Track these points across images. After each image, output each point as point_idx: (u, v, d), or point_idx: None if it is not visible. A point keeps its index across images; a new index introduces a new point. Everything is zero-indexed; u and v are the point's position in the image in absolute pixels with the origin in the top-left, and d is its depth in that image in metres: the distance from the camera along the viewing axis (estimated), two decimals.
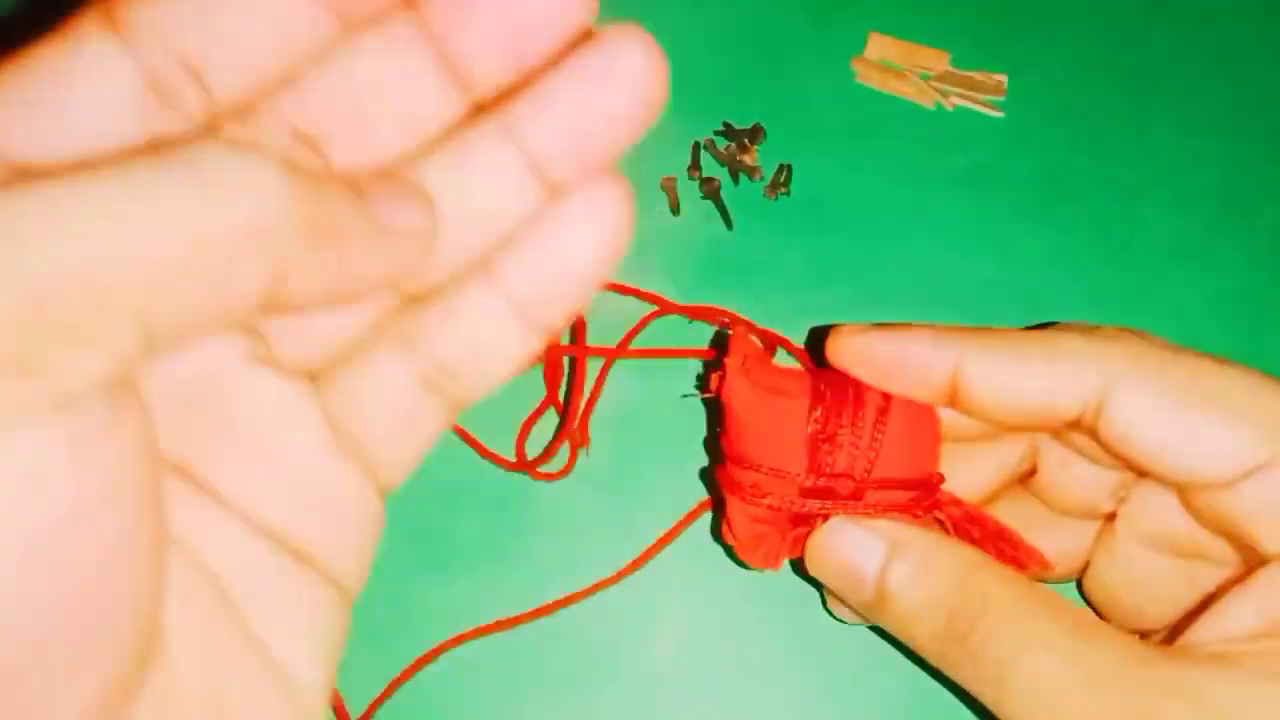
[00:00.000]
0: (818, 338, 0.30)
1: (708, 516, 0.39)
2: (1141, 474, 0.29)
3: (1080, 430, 0.28)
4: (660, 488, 0.40)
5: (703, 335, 0.42)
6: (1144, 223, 0.44)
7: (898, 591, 0.28)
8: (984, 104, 0.47)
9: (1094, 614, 0.27)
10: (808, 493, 0.29)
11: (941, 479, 0.30)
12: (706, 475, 0.40)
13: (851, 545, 0.29)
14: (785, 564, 0.32)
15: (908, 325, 0.29)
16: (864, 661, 0.37)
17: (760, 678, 0.37)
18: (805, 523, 0.30)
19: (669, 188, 0.45)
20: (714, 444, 0.38)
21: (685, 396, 0.40)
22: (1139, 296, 0.43)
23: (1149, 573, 0.30)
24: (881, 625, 0.30)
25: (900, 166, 0.46)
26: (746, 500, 0.30)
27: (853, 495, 0.29)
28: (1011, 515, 0.32)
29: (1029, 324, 0.42)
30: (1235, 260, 0.44)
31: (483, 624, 0.37)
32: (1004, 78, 0.47)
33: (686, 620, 0.38)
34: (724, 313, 0.42)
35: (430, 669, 0.37)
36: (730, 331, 0.31)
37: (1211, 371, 0.26)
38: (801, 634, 0.38)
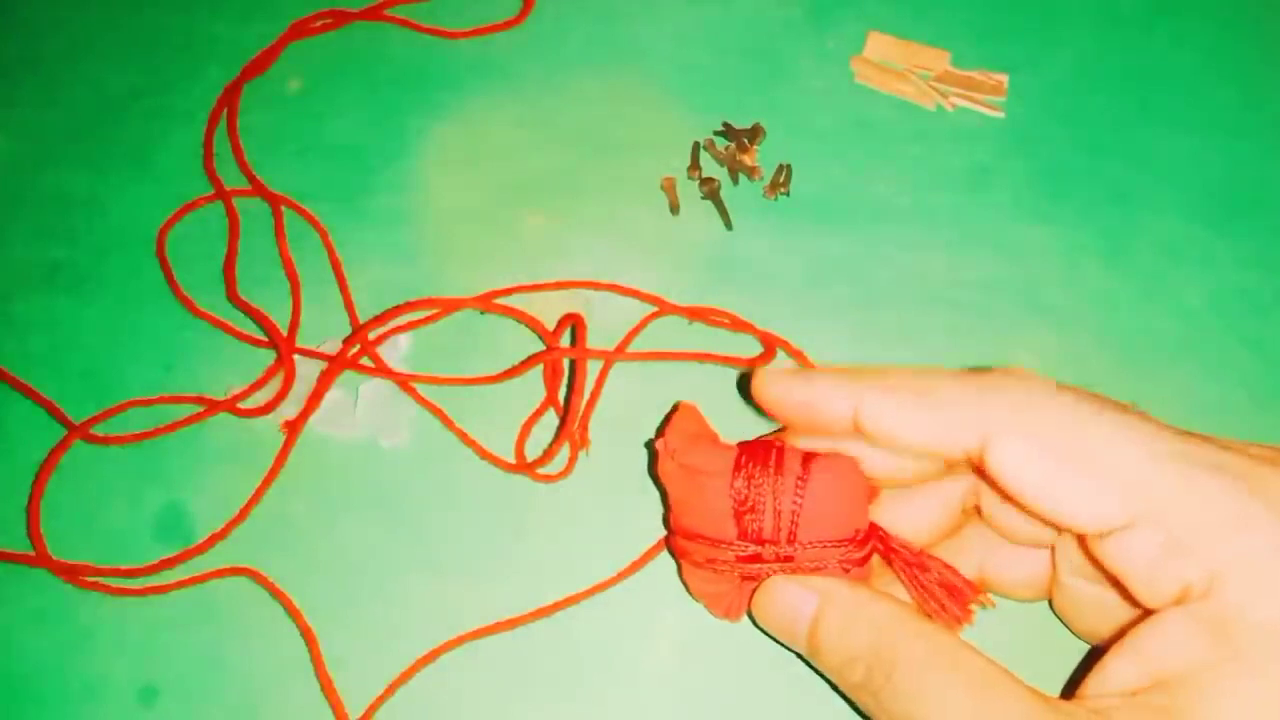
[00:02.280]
0: (743, 383, 0.33)
1: None
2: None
3: (975, 472, 0.30)
4: (660, 489, 0.40)
5: (703, 336, 0.42)
6: (1144, 223, 0.44)
7: (824, 645, 0.30)
8: (984, 104, 0.47)
9: (1001, 669, 0.27)
10: (742, 559, 0.31)
11: (873, 530, 0.32)
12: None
13: (786, 600, 0.31)
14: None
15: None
16: None
17: (758, 678, 0.37)
18: (754, 579, 0.32)
19: (669, 188, 0.45)
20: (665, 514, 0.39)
21: (646, 443, 0.40)
22: (1139, 296, 0.43)
23: (1089, 598, 0.32)
24: (823, 670, 0.32)
25: (900, 166, 0.46)
26: (695, 565, 0.33)
27: (783, 559, 0.31)
28: (978, 544, 0.34)
29: (1028, 322, 0.42)
30: (1235, 260, 0.44)
31: (483, 624, 0.38)
32: (1004, 78, 0.47)
33: (685, 621, 0.38)
34: (723, 313, 0.42)
35: (430, 669, 0.37)
36: (677, 405, 0.35)
37: (1086, 422, 0.27)
38: None
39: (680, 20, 0.49)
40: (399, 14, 0.50)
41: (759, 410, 0.32)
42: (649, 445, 0.40)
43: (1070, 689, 0.31)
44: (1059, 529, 0.29)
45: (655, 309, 0.43)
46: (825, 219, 0.44)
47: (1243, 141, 0.46)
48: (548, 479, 0.40)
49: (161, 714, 0.37)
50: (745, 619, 0.34)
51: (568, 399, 0.39)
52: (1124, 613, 0.30)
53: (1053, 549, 0.32)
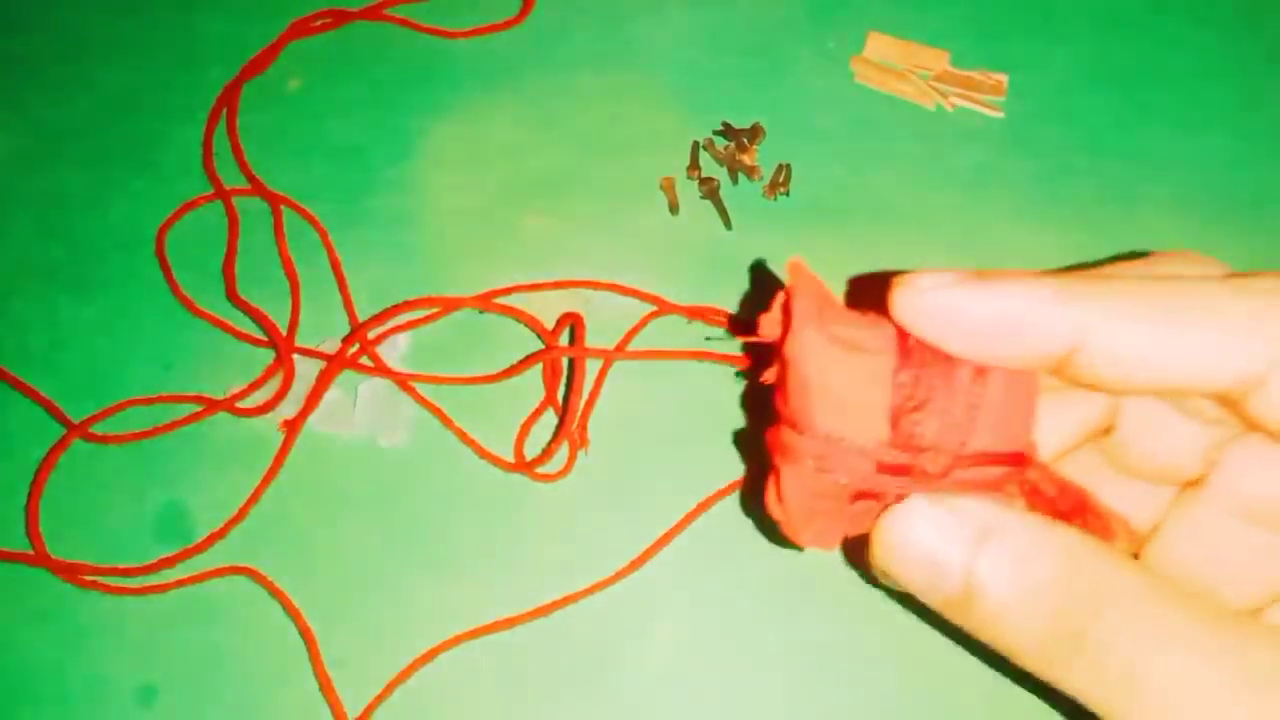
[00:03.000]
0: (864, 290, 0.25)
1: (707, 517, 0.39)
2: (1254, 428, 0.24)
3: (1220, 403, 0.24)
4: (659, 488, 0.40)
5: (702, 335, 0.42)
6: (1144, 223, 0.44)
7: (990, 586, 0.23)
8: (984, 104, 0.47)
9: (1231, 609, 0.22)
10: (886, 469, 0.24)
11: (1035, 450, 0.25)
12: (743, 440, 0.38)
13: (932, 532, 0.24)
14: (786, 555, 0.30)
15: (1004, 276, 0.23)
16: (861, 661, 0.37)
17: (757, 677, 0.37)
18: (871, 497, 0.25)
19: (669, 188, 0.45)
20: (757, 398, 0.35)
21: (738, 375, 0.38)
22: None
23: (1236, 548, 0.26)
24: (966, 628, 0.24)
25: (900, 166, 0.46)
26: (810, 472, 0.24)
27: (940, 473, 0.24)
28: (1077, 478, 0.27)
29: None
30: (1235, 260, 0.43)
31: (481, 623, 0.38)
32: (1004, 78, 0.47)
33: (684, 620, 0.38)
34: (723, 313, 0.42)
35: (429, 668, 0.37)
36: (788, 262, 0.26)
37: None
38: (799, 634, 0.38)
39: (680, 20, 0.49)
40: (399, 14, 0.50)
41: (760, 408, 0.32)
42: (746, 322, 0.35)
43: None
44: None
45: (655, 308, 0.42)
46: (825, 219, 0.44)
47: (1243, 141, 0.46)
48: (547, 478, 0.40)
49: (160, 712, 0.37)
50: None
51: (567, 398, 0.39)
52: (1270, 567, 0.25)
53: (1182, 488, 0.27)
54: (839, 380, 0.24)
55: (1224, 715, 0.20)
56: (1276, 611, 0.23)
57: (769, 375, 0.25)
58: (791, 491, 0.25)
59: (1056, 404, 0.27)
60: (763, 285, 0.43)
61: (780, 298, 0.25)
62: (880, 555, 0.25)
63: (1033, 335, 0.22)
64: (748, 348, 0.41)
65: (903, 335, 0.24)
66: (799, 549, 0.28)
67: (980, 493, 0.24)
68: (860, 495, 0.25)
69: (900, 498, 0.24)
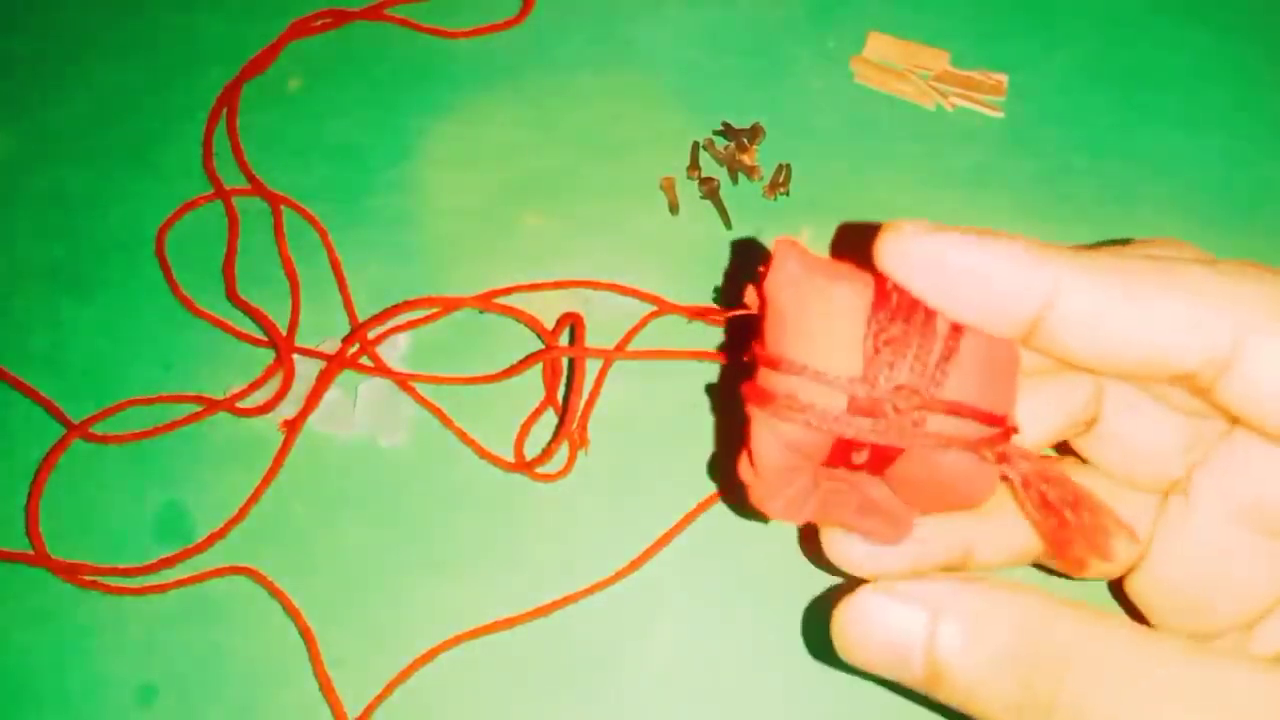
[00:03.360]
0: (851, 237, 0.24)
1: (707, 517, 0.39)
2: (1235, 422, 0.24)
3: (1184, 385, 0.23)
4: (659, 488, 0.40)
5: (702, 335, 0.42)
6: (1143, 223, 0.44)
7: (952, 664, 0.23)
8: (984, 104, 0.47)
9: (1201, 646, 0.21)
10: (858, 407, 0.23)
11: (1015, 428, 0.24)
12: (712, 465, 0.39)
13: (887, 619, 0.24)
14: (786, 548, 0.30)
15: (986, 232, 0.22)
16: None
17: (758, 678, 0.37)
18: (841, 462, 0.24)
19: (668, 188, 0.45)
20: (729, 382, 0.35)
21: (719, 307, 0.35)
22: None
23: (1229, 554, 0.25)
24: (943, 702, 0.24)
25: (900, 166, 0.46)
26: (778, 415, 0.23)
27: (909, 415, 0.23)
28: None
29: None
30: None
31: (481, 623, 0.38)
32: (1004, 78, 0.47)
33: (685, 620, 0.38)
34: (723, 312, 0.42)
35: (429, 668, 0.37)
36: (777, 240, 0.25)
37: None
38: (799, 634, 0.38)
39: (680, 20, 0.49)
40: (399, 14, 0.50)
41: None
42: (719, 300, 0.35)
43: None
44: None
45: (655, 308, 0.42)
46: (825, 219, 0.44)
47: (1243, 141, 0.46)
48: (547, 478, 0.40)
49: (160, 712, 0.37)
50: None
51: (567, 398, 0.39)
52: (1267, 573, 0.24)
53: (1165, 497, 0.27)
54: (814, 308, 0.23)
55: None
56: (1274, 621, 0.23)
57: (751, 303, 0.25)
58: (764, 443, 0.24)
59: (1038, 391, 0.26)
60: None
61: (766, 267, 0.25)
62: (843, 650, 0.25)
63: (1006, 289, 0.22)
64: (728, 343, 0.41)
65: (882, 282, 0.23)
66: (765, 521, 0.27)
67: (956, 456, 0.23)
68: (832, 458, 0.24)
69: (874, 454, 0.24)
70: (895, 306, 0.23)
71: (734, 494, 0.39)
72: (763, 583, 0.38)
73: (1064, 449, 0.30)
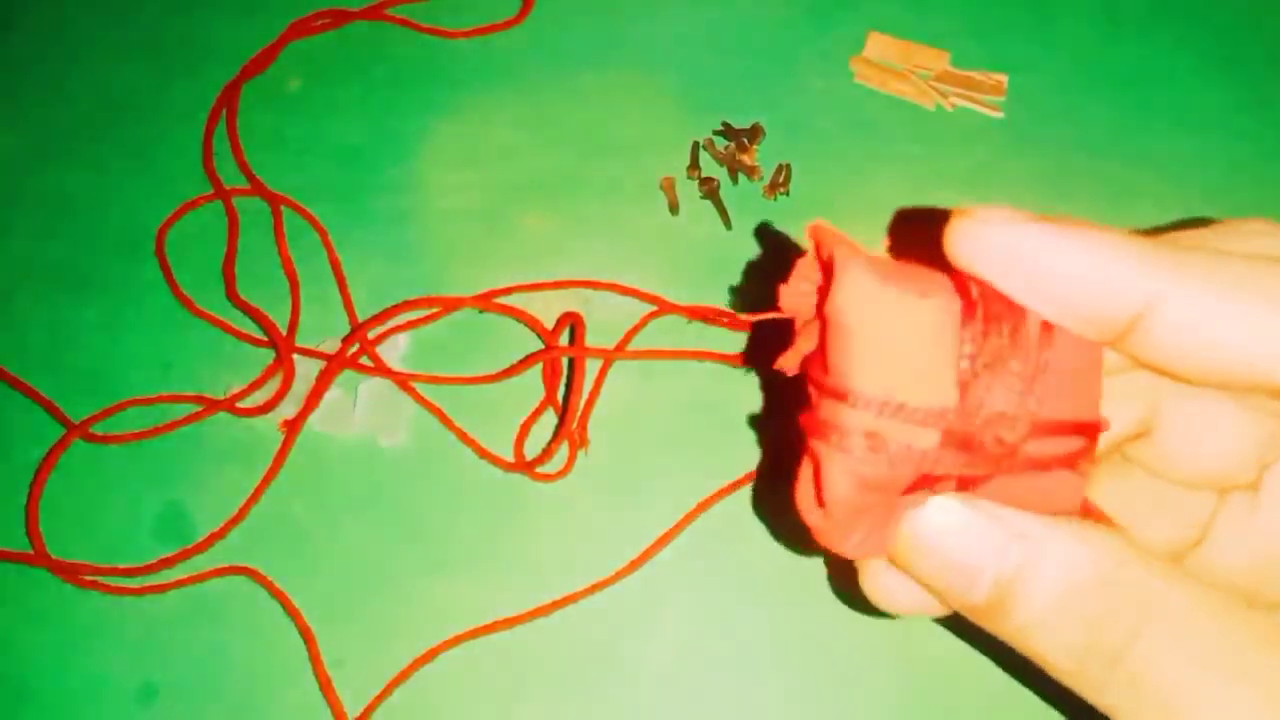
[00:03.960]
0: (910, 220, 0.21)
1: (707, 517, 0.39)
2: None
3: None
4: (659, 488, 0.40)
5: (702, 335, 0.42)
6: (1143, 223, 0.44)
7: (1024, 596, 0.21)
8: (984, 104, 0.47)
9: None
10: (953, 440, 0.20)
11: (1105, 425, 0.21)
12: (762, 431, 0.37)
13: (965, 533, 0.21)
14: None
15: (1078, 224, 0.20)
16: (862, 661, 0.37)
17: (759, 678, 0.37)
18: (921, 488, 0.21)
19: (669, 188, 0.45)
20: (778, 389, 0.34)
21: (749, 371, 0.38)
22: None
23: None
24: (996, 634, 0.22)
25: (900, 166, 0.46)
26: (855, 454, 0.20)
27: (1008, 450, 0.20)
28: (1109, 493, 0.26)
29: None
30: None
31: (481, 623, 0.38)
32: (1004, 78, 0.47)
33: (684, 620, 0.38)
34: (723, 313, 0.42)
35: (429, 668, 0.37)
36: (813, 227, 0.22)
37: None
38: (800, 634, 0.38)
39: (680, 20, 0.49)
40: (399, 14, 0.50)
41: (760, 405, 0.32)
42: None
43: None
44: None
45: (655, 308, 0.42)
46: (825, 219, 0.44)
47: (1243, 141, 0.46)
48: (547, 478, 0.40)
49: (160, 712, 0.37)
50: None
51: (567, 398, 0.39)
52: None
53: (1225, 494, 0.25)
54: (897, 332, 0.20)
55: None
56: None
57: (788, 359, 0.22)
58: (838, 484, 0.20)
59: None
60: (763, 277, 0.43)
61: (804, 262, 0.22)
62: (904, 554, 0.22)
63: (1105, 292, 0.20)
64: (751, 342, 0.41)
65: (962, 283, 0.20)
66: (836, 558, 0.24)
67: (1056, 471, 0.21)
68: (913, 487, 0.21)
69: (962, 484, 0.21)
70: (984, 315, 0.20)
71: (775, 490, 0.39)
72: (763, 583, 0.38)
73: None
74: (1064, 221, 0.20)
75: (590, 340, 0.40)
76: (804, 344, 0.22)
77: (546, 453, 0.39)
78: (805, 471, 0.21)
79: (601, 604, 0.38)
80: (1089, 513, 0.23)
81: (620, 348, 0.41)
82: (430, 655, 0.37)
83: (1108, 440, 0.24)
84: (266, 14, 0.49)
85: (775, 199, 0.45)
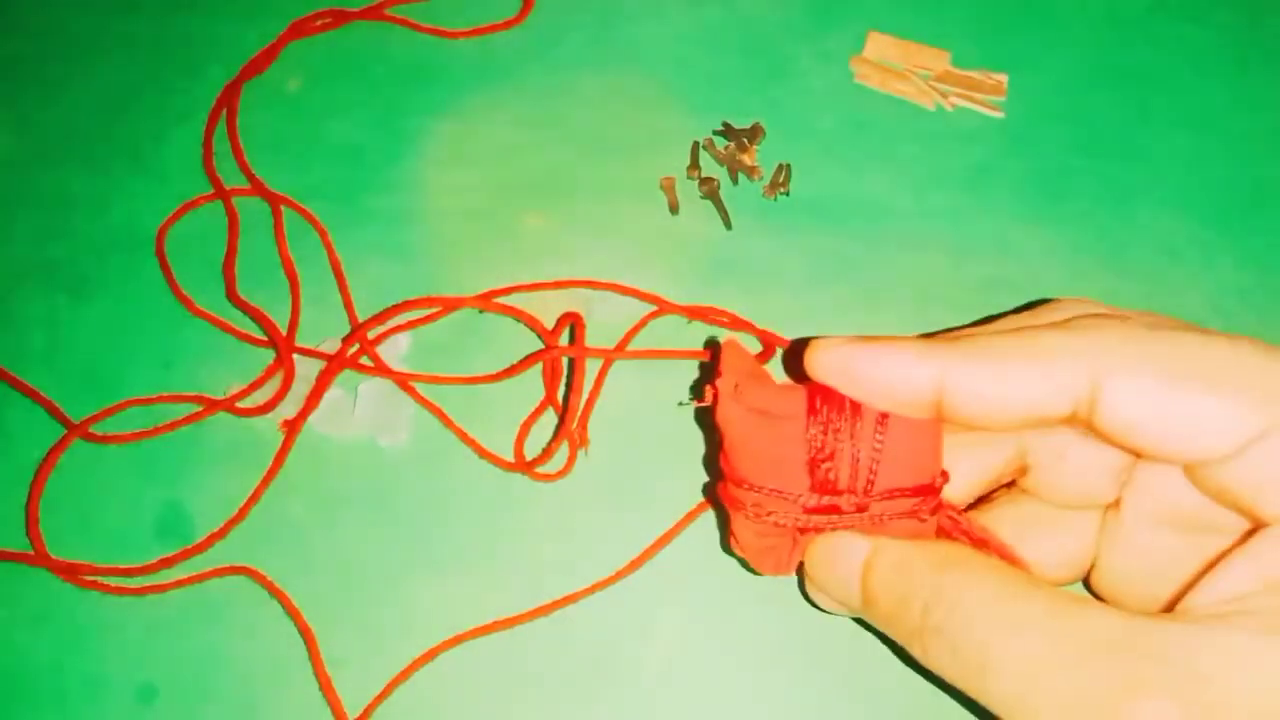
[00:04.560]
0: (798, 350, 0.30)
1: (706, 517, 0.39)
2: (1140, 457, 0.28)
3: (1075, 425, 0.28)
4: (659, 488, 0.40)
5: (702, 335, 0.42)
6: (1143, 223, 0.44)
7: (877, 586, 0.28)
8: (984, 104, 0.47)
9: (1077, 595, 0.26)
10: (812, 511, 0.29)
11: (945, 477, 0.29)
12: (708, 489, 0.40)
13: (838, 549, 0.29)
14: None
15: (886, 339, 0.28)
16: (862, 661, 0.37)
17: (758, 678, 0.37)
18: (813, 530, 0.30)
19: (668, 188, 0.45)
20: (712, 457, 0.38)
21: (681, 404, 0.40)
22: (1139, 296, 0.43)
23: (1160, 554, 0.30)
24: (874, 625, 0.30)
25: (900, 166, 0.46)
26: (750, 518, 0.29)
27: (858, 508, 0.29)
28: (1011, 518, 0.32)
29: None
30: (1235, 260, 0.44)
31: (481, 623, 0.38)
32: (1004, 78, 0.47)
33: (684, 620, 0.38)
34: (723, 313, 0.42)
35: (429, 668, 0.37)
36: (721, 342, 0.31)
37: (1194, 346, 0.26)
38: (799, 634, 0.38)
39: (680, 20, 0.49)
40: (399, 14, 0.50)
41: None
42: (694, 390, 0.40)
43: None
44: (1176, 463, 0.27)
45: (655, 308, 0.42)
46: (825, 219, 0.44)
47: (1243, 141, 0.46)
48: (547, 478, 0.40)
49: (160, 713, 0.37)
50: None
51: (567, 398, 0.39)
52: (1193, 564, 0.28)
53: (1106, 511, 0.31)
54: (760, 443, 0.29)
55: (1057, 688, 0.24)
56: (1195, 594, 0.26)
57: (704, 400, 0.30)
58: (743, 535, 0.30)
59: (968, 450, 0.31)
60: (764, 278, 0.43)
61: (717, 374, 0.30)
62: (810, 573, 0.30)
63: (903, 384, 0.27)
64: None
65: (813, 394, 0.29)
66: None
67: (899, 521, 0.29)
68: (803, 530, 0.30)
69: (833, 528, 0.29)
70: (824, 419, 0.28)
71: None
72: (763, 583, 0.38)
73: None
74: (874, 340, 0.28)
75: (590, 340, 0.40)
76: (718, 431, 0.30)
77: (546, 453, 0.39)
78: (729, 522, 0.31)
79: (601, 604, 0.38)
80: (984, 541, 0.29)
81: (620, 348, 0.41)
82: (430, 655, 0.37)
83: (991, 474, 0.32)
84: (266, 14, 0.49)
85: (775, 199, 0.45)
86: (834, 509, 0.29)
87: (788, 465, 0.28)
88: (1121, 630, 0.24)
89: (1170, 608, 0.29)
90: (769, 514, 0.29)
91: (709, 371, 0.31)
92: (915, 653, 0.28)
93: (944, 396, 0.27)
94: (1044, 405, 0.27)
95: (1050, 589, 0.26)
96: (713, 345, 0.38)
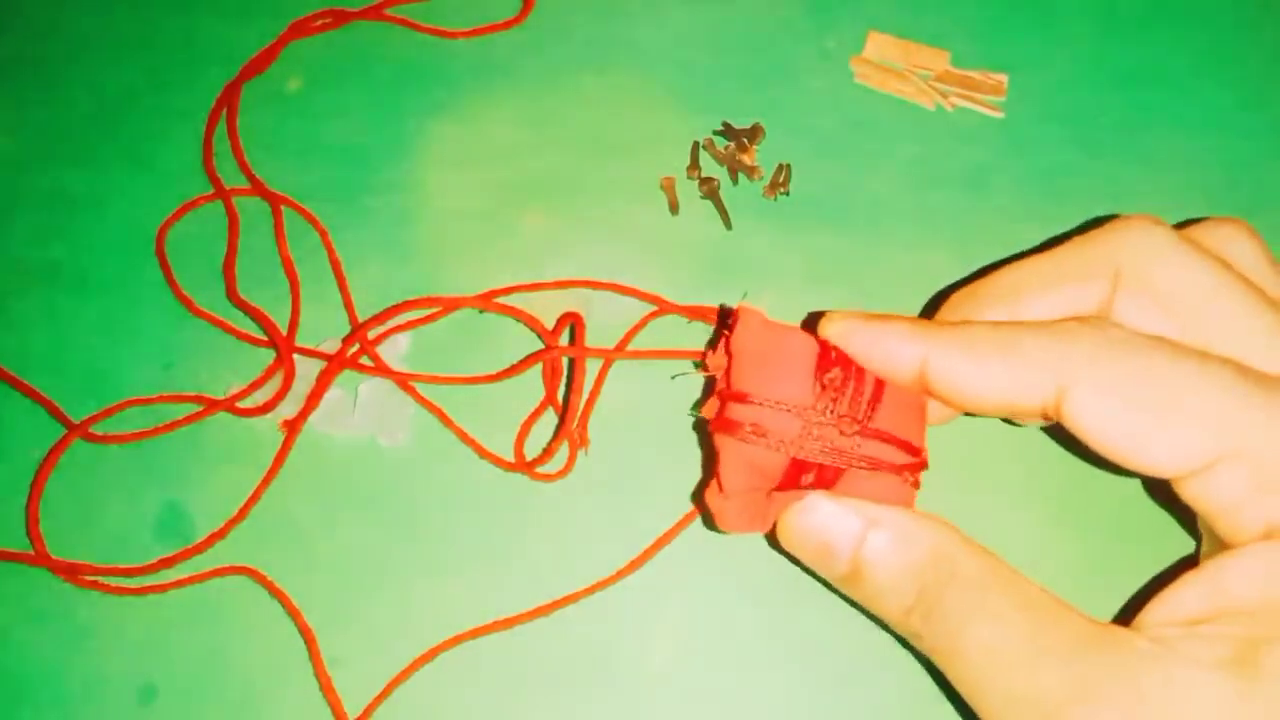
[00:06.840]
0: (811, 323, 0.31)
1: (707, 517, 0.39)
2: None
3: (1047, 419, 0.29)
4: (659, 488, 0.40)
5: (702, 335, 0.42)
6: None
7: (874, 564, 0.29)
8: (984, 104, 0.47)
9: (1055, 596, 0.27)
10: (809, 432, 0.29)
11: (926, 462, 0.30)
12: (699, 426, 0.40)
13: (826, 518, 0.29)
14: (769, 552, 0.32)
15: (887, 317, 0.30)
16: (862, 661, 0.37)
17: (758, 678, 0.37)
18: (792, 485, 0.30)
19: (668, 188, 0.45)
20: (708, 463, 0.38)
21: (674, 377, 0.40)
22: None
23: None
24: (854, 598, 0.30)
25: (900, 166, 0.46)
26: (744, 439, 0.29)
27: (851, 438, 0.29)
28: None
29: None
30: None
31: (482, 623, 0.38)
32: (1004, 78, 0.47)
33: (684, 620, 0.38)
34: (701, 354, 0.42)
35: (429, 668, 0.37)
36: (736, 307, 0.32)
37: (1165, 367, 0.27)
38: (799, 634, 0.38)
39: (680, 20, 0.49)
40: (399, 14, 0.50)
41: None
42: (722, 314, 0.41)
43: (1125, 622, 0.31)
44: (1135, 473, 0.29)
45: (655, 308, 0.43)
46: (825, 219, 0.44)
47: (1243, 141, 0.46)
48: (547, 478, 0.40)
49: (160, 713, 0.37)
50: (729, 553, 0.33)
51: (567, 398, 0.39)
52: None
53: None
54: (773, 349, 0.30)
55: (1013, 680, 0.26)
56: (1151, 610, 0.27)
57: (708, 407, 0.31)
58: (731, 464, 0.30)
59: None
60: (764, 278, 0.43)
61: (718, 349, 0.31)
62: (785, 539, 0.30)
63: (892, 357, 0.30)
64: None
65: (824, 343, 0.30)
66: (722, 533, 0.33)
67: (885, 472, 0.29)
68: (783, 485, 0.30)
69: (821, 480, 0.29)
70: (834, 359, 0.30)
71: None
72: (762, 583, 0.38)
73: None
74: (875, 316, 0.30)
75: (590, 340, 0.40)
76: (720, 386, 0.31)
77: (546, 453, 0.39)
78: (712, 478, 0.30)
79: (601, 604, 0.38)
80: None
81: (620, 348, 0.42)
82: (430, 655, 0.37)
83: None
84: (266, 14, 0.49)
85: (775, 199, 0.45)
86: (828, 435, 0.29)
87: (797, 374, 0.29)
88: (1084, 636, 0.26)
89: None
90: (764, 435, 0.29)
91: (717, 333, 0.32)
92: (899, 630, 0.29)
93: (927, 375, 0.29)
94: (1015, 399, 0.29)
95: (1032, 586, 0.28)
96: (723, 309, 0.39)
